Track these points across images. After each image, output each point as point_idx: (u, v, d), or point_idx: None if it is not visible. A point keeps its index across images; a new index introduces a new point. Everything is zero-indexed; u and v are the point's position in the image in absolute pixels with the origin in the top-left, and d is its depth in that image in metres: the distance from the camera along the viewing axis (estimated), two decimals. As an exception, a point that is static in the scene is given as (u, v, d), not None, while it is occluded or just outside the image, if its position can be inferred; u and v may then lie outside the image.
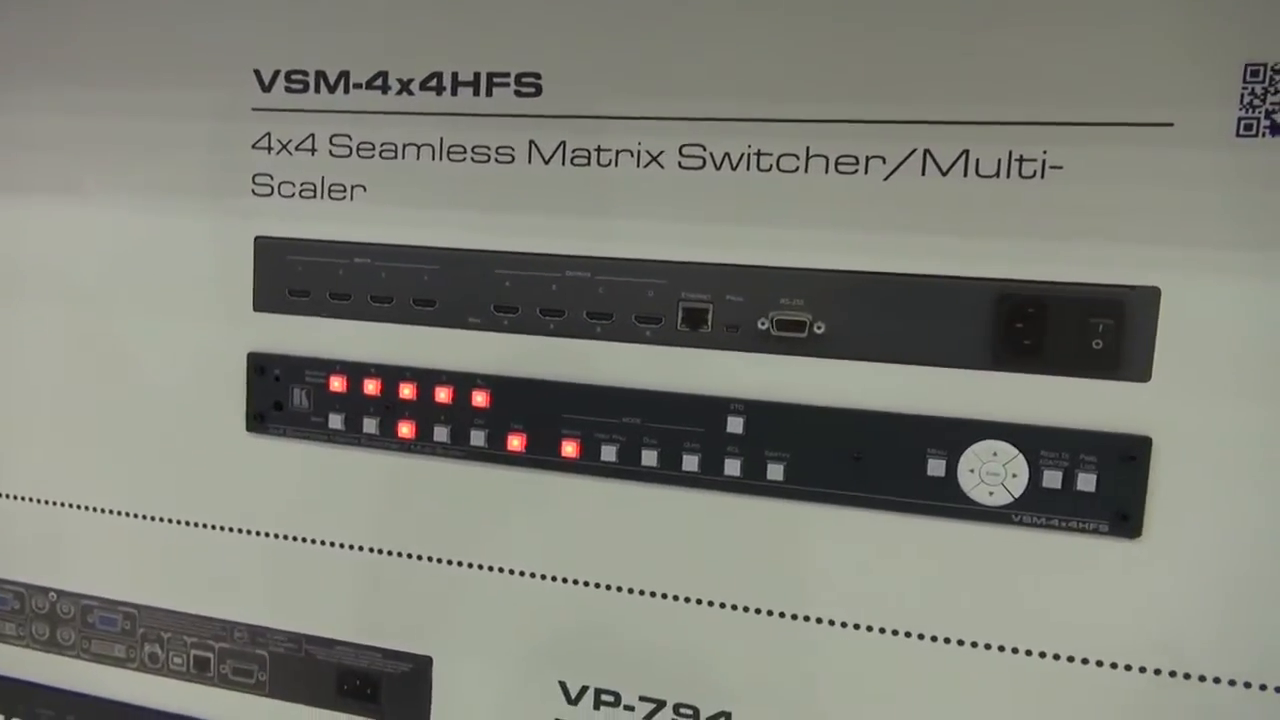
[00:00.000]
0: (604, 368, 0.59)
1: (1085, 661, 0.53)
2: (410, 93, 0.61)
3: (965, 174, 0.53)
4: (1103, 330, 0.51)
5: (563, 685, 0.63)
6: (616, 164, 0.58)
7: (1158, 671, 0.52)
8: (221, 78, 0.65)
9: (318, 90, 0.63)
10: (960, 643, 0.55)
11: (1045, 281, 0.52)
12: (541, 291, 0.60)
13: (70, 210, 0.69)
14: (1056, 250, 0.52)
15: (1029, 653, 0.54)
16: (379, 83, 0.62)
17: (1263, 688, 0.51)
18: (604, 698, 0.62)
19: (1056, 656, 0.54)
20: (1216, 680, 0.51)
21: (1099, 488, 0.52)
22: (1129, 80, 0.50)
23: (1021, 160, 0.52)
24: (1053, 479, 0.53)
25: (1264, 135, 0.49)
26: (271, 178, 0.65)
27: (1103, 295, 0.51)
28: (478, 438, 0.62)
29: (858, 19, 0.53)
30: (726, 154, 0.56)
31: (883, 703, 0.57)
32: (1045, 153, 0.52)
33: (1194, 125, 0.49)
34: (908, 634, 0.56)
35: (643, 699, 0.61)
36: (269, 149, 0.64)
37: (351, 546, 0.66)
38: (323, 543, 0.67)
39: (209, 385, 0.67)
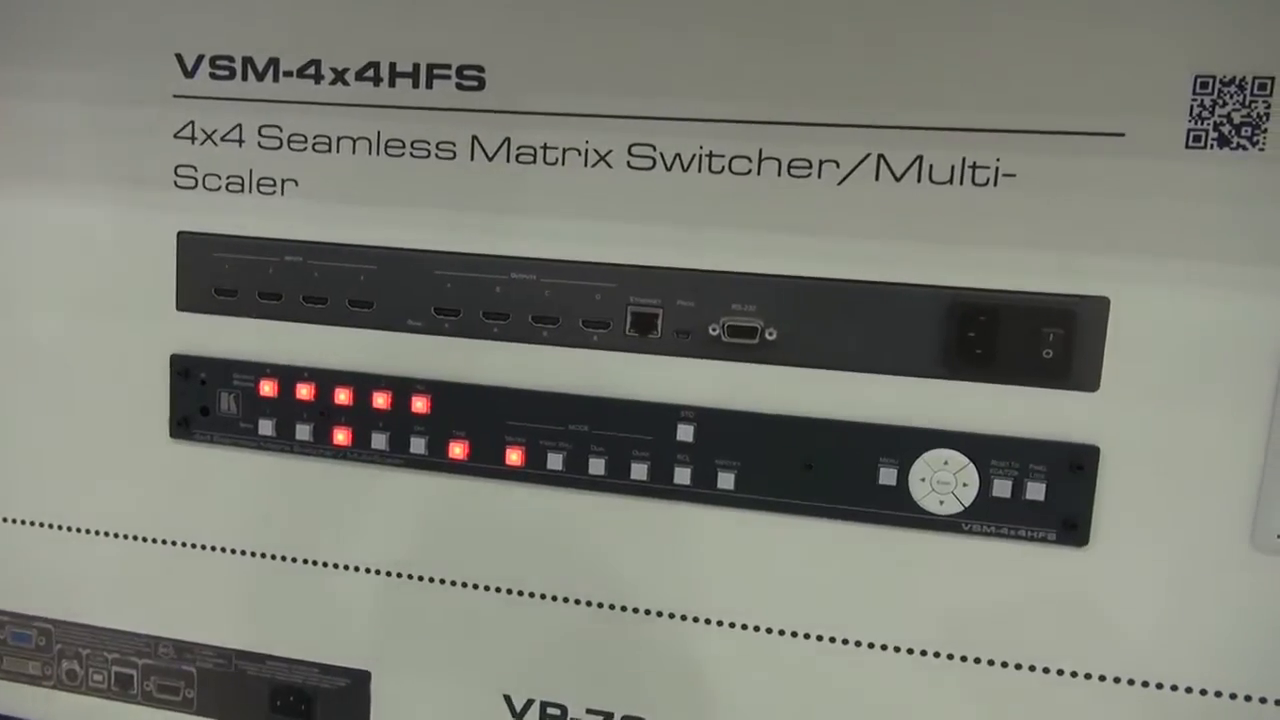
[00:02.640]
0: (550, 373, 0.57)
1: (1033, 669, 0.54)
2: (345, 83, 0.58)
3: (919, 180, 0.52)
4: (1053, 340, 0.51)
5: (507, 699, 0.61)
6: (563, 162, 0.56)
7: (1102, 678, 0.53)
8: (141, 61, 0.61)
9: (245, 78, 0.59)
10: (910, 651, 0.55)
11: (997, 290, 0.52)
12: (485, 294, 0.58)
13: (-26, 200, 0.65)
14: (1008, 259, 0.52)
15: (978, 660, 0.54)
16: (311, 71, 0.58)
17: (1203, 692, 0.51)
18: (550, 711, 0.60)
19: (1005, 664, 0.54)
20: (1159, 686, 0.52)
21: (1048, 496, 0.52)
22: (1081, 90, 0.50)
23: (975, 168, 0.51)
24: (1002, 488, 0.52)
25: (1212, 147, 0.49)
26: (195, 169, 0.61)
27: (1053, 305, 0.51)
28: (418, 445, 0.59)
29: (812, 22, 0.52)
30: (677, 155, 0.55)
31: (836, 710, 0.57)
32: (998, 160, 0.51)
33: (1145, 136, 0.49)
34: (858, 643, 0.56)
35: (589, 711, 0.60)
36: (192, 139, 0.61)
37: (283, 558, 0.63)
38: (253, 554, 0.64)
39: (129, 389, 0.63)
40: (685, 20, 0.53)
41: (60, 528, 0.67)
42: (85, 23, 0.61)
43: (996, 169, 0.51)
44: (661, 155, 0.55)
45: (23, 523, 0.67)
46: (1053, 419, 0.52)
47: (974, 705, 0.54)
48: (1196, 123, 0.49)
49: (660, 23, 0.54)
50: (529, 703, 0.61)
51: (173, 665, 0.66)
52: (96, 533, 0.66)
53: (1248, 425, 0.49)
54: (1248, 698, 0.51)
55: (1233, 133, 0.48)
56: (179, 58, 0.60)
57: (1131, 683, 0.52)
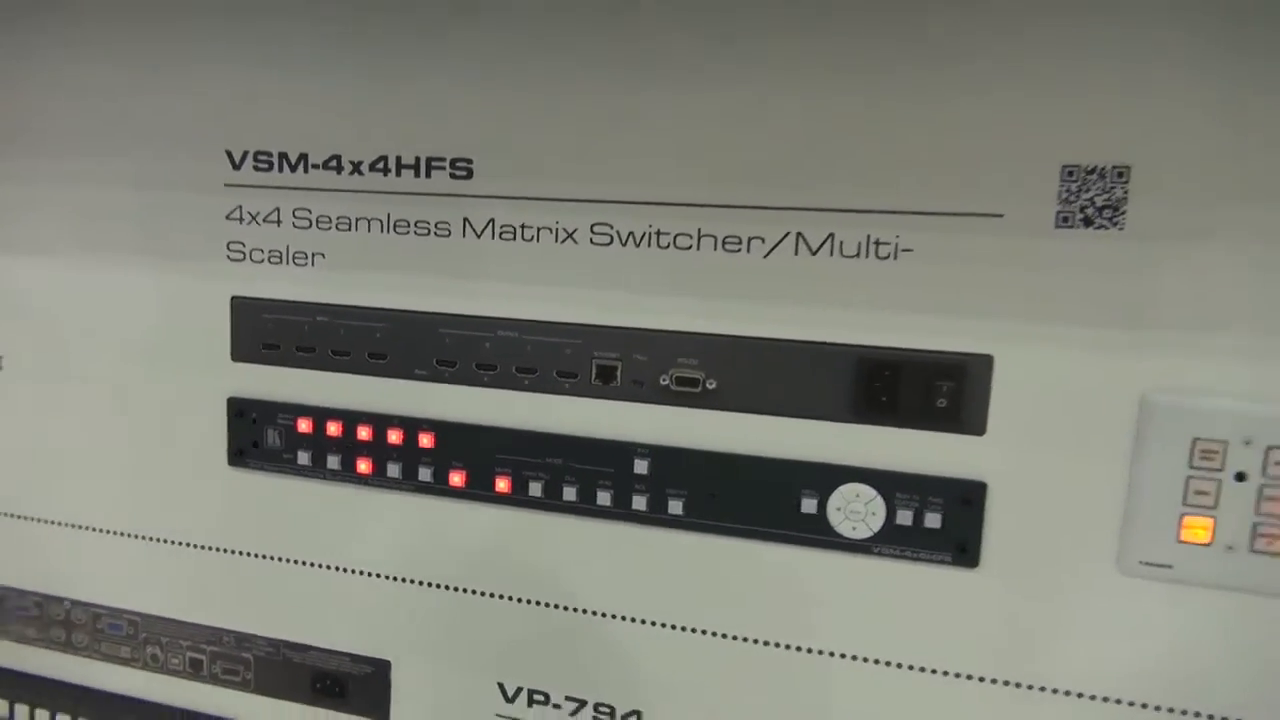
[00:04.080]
0: (530, 415, 0.68)
1: (934, 671, 0.62)
2: (361, 173, 0.70)
3: (831, 254, 0.61)
4: (946, 391, 0.60)
5: (500, 686, 0.72)
6: (538, 239, 0.67)
7: (994, 680, 0.61)
8: (198, 156, 0.73)
9: (281, 169, 0.72)
10: (822, 652, 0.64)
11: (898, 348, 0.60)
12: (477, 348, 0.69)
13: (78, 273, 0.79)
14: (907, 321, 0.60)
15: (887, 664, 0.63)
16: (334, 164, 0.70)
17: (1068, 693, 0.60)
18: (535, 697, 0.72)
19: (911, 667, 0.63)
20: (1042, 689, 0.60)
21: (943, 525, 0.61)
22: (967, 177, 0.58)
23: (878, 243, 0.60)
24: (905, 517, 0.61)
25: (1078, 226, 0.57)
26: (244, 245, 0.74)
27: (946, 361, 0.60)
28: (425, 474, 0.71)
29: (741, 120, 0.61)
30: (631, 232, 0.65)
31: (770, 702, 0.66)
32: (898, 237, 0.60)
33: (1021, 217, 0.57)
34: (786, 645, 0.65)
35: (568, 698, 0.71)
36: (240, 219, 0.73)
37: (319, 565, 0.76)
38: (295, 562, 0.76)
39: (196, 426, 0.77)
40: (635, 123, 0.63)
41: (143, 538, 0.81)
42: (152, 123, 0.74)
43: (897, 244, 0.60)
44: (618, 233, 0.65)
45: (114, 533, 0.82)
46: (946, 459, 0.60)
47: (875, 701, 0.64)
48: (1064, 206, 0.57)
49: (615, 125, 0.64)
50: (518, 689, 0.72)
51: (233, 652, 0.79)
52: (172, 543, 0.80)
53: (1111, 466, 0.57)
54: (1117, 701, 0.59)
55: (1095, 214, 0.56)
56: (229, 154, 0.73)
57: (1019, 686, 0.61)
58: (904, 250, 0.60)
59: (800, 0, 0.59)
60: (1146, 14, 0.54)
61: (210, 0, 0.71)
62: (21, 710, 0.87)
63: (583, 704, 0.70)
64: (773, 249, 0.62)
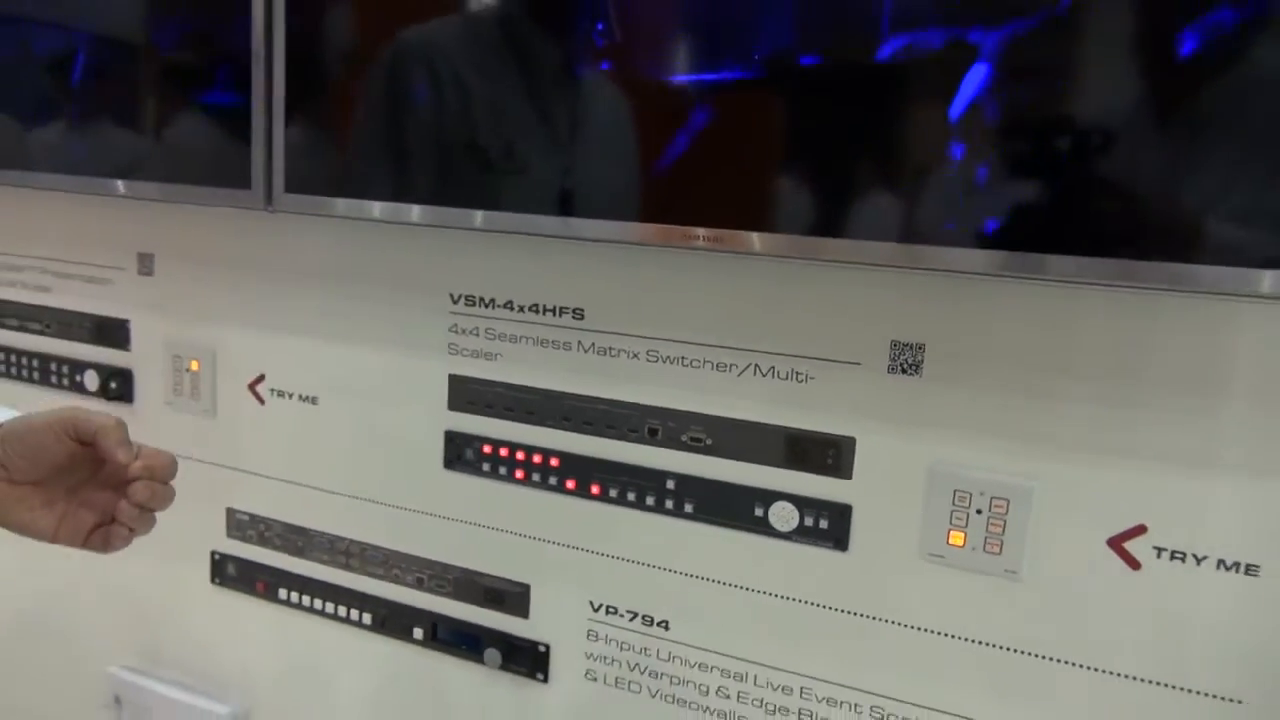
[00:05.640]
0: (612, 452, 1.22)
1: (815, 605, 1.13)
2: (523, 311, 1.25)
3: (773, 377, 1.12)
4: (831, 455, 1.10)
5: (590, 602, 1.27)
6: (617, 355, 1.20)
7: (845, 611, 1.11)
8: (432, 293, 1.31)
9: (478, 305, 1.28)
10: (759, 591, 1.16)
11: (808, 429, 1.11)
12: (581, 411, 1.23)
13: (374, 356, 1.37)
14: (812, 415, 1.11)
15: (792, 599, 1.14)
16: (508, 305, 1.26)
17: (894, 623, 1.09)
18: (607, 609, 1.26)
19: (805, 601, 1.14)
20: (874, 619, 1.10)
21: (829, 527, 1.11)
22: (840, 338, 1.08)
23: (796, 373, 1.11)
24: (809, 521, 1.12)
25: (899, 373, 1.06)
26: (457, 345, 1.30)
27: (832, 439, 1.10)
28: (552, 480, 1.26)
29: (749, 294, 1.13)
30: (668, 355, 1.17)
31: (749, 597, 1.19)
32: (808, 371, 1.10)
33: (871, 364, 1.07)
34: (748, 589, 1.17)
35: (628, 612, 1.25)
36: (455, 331, 1.30)
37: (494, 528, 1.32)
38: (482, 526, 1.33)
39: (426, 444, 1.35)
40: (670, 297, 1.16)
41: (386, 505, 1.39)
42: (416, 276, 1.32)
43: (806, 374, 1.10)
44: (661, 355, 1.18)
45: (368, 500, 1.40)
46: (831, 490, 1.11)
47: (766, 621, 1.15)
48: (893, 361, 1.06)
49: (658, 296, 1.16)
50: (599, 604, 1.27)
51: (440, 575, 1.37)
52: (405, 509, 1.38)
53: (915, 499, 1.06)
54: (922, 629, 1.08)
55: (910, 368, 1.05)
56: (450, 294, 1.30)
57: (853, 614, 1.11)
58: (810, 378, 1.10)
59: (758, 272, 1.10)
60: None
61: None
62: (310, 600, 1.47)
63: (634, 615, 1.25)
64: (743, 370, 1.14)
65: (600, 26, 1.02)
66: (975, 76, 0.90)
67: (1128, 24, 0.86)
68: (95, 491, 0.87)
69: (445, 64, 1.13)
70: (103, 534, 0.87)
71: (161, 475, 0.86)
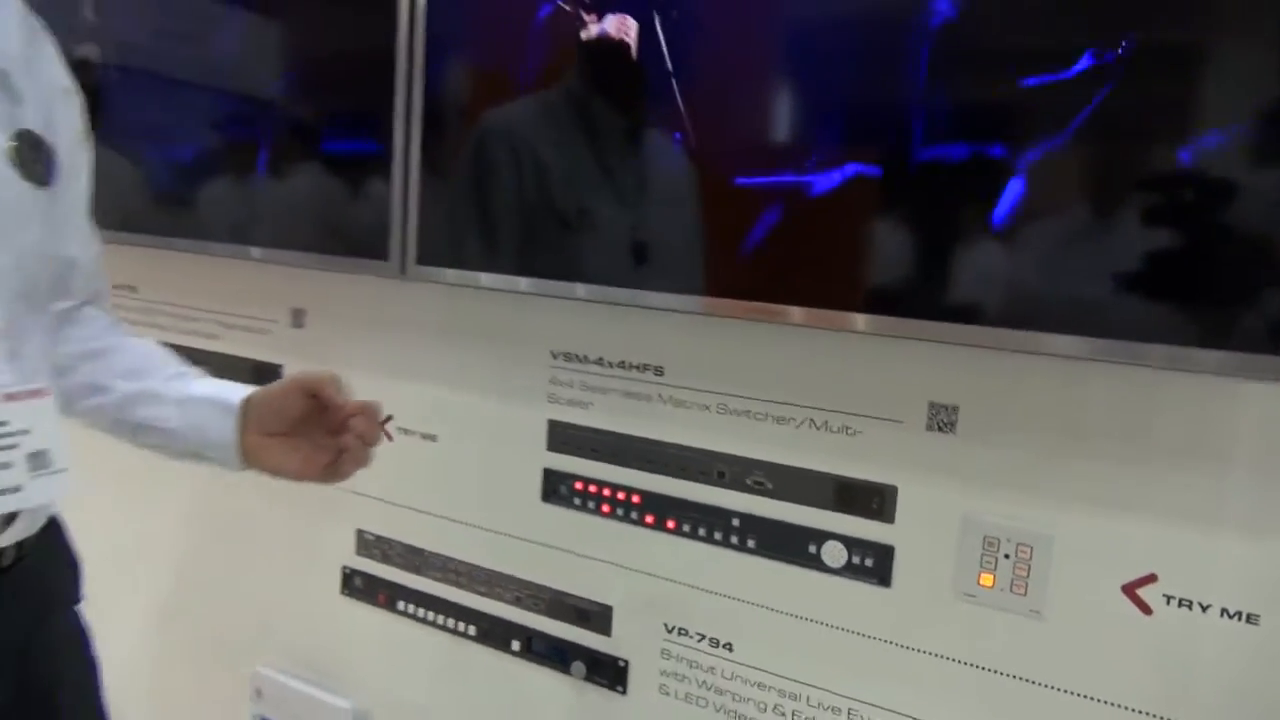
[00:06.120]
0: (685, 492, 1.40)
1: (860, 633, 1.27)
2: (611, 366, 1.45)
3: (826, 430, 1.28)
4: (876, 501, 1.25)
5: (665, 624, 1.44)
6: (691, 408, 1.38)
7: (886, 641, 1.25)
8: (534, 350, 1.52)
9: (573, 360, 1.48)
10: (820, 624, 1.30)
11: (856, 478, 1.26)
12: (657, 454, 1.41)
13: (473, 403, 1.60)
14: (859, 466, 1.26)
15: (839, 629, 1.28)
16: (599, 360, 1.46)
17: (919, 650, 1.22)
18: (679, 630, 1.43)
19: (854, 633, 1.27)
20: (909, 648, 1.23)
21: (874, 565, 1.25)
22: (884, 399, 1.23)
23: (845, 427, 1.26)
24: (856, 559, 1.27)
25: (937, 431, 1.20)
26: (556, 394, 1.51)
27: (877, 487, 1.25)
28: (633, 515, 1.44)
29: (805, 359, 1.30)
30: (734, 408, 1.35)
31: (787, 620, 1.33)
32: (854, 426, 1.25)
33: (912, 422, 1.21)
34: (802, 618, 1.32)
35: (698, 634, 1.41)
36: (555, 383, 1.51)
37: (583, 555, 1.51)
38: (573, 553, 1.52)
39: (526, 479, 1.55)
40: (734, 359, 1.33)
41: (490, 530, 1.60)
42: (526, 334, 1.53)
43: (854, 428, 1.25)
44: (729, 408, 1.35)
45: (472, 526, 1.61)
46: (877, 533, 1.25)
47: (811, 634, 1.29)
48: (931, 420, 1.20)
49: (724, 358, 1.34)
50: (673, 626, 1.43)
51: (538, 595, 1.56)
52: (507, 535, 1.58)
53: (949, 542, 1.20)
54: (932, 654, 1.21)
55: (946, 426, 1.19)
56: (551, 351, 1.51)
57: (891, 643, 1.24)
58: (858, 432, 1.26)
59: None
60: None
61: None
62: (424, 613, 1.69)
63: (713, 641, 1.41)
64: (800, 424, 1.30)
65: (678, 136, 1.22)
66: (1013, 189, 1.05)
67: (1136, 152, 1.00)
68: (323, 437, 1.09)
69: (549, 152, 1.35)
70: (333, 468, 1.09)
71: (370, 412, 1.07)
